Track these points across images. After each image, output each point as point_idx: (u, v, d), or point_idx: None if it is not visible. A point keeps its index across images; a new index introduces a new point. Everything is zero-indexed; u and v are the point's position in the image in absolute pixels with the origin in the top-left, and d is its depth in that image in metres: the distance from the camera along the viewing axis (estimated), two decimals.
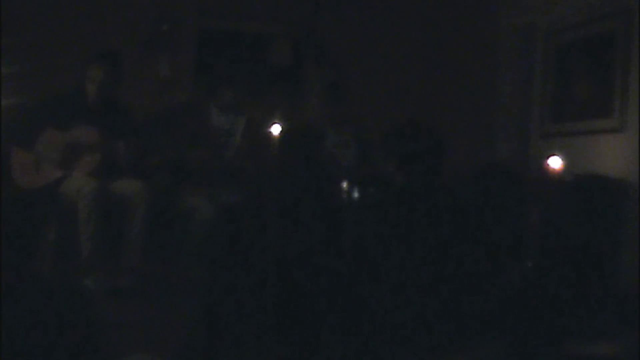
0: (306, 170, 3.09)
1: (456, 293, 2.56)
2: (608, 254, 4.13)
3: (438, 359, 2.43)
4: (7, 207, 3.59)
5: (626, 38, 4.38)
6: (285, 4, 5.26)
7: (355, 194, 3.21)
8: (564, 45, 4.95)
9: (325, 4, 5.27)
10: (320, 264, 2.46)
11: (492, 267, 2.72)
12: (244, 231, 2.75)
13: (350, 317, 2.38)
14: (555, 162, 3.17)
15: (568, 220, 4.04)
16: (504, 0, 5.48)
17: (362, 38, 5.35)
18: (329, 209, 2.90)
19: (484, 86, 5.46)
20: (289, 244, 2.48)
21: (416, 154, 2.84)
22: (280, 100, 5.01)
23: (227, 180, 4.07)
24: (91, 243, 3.61)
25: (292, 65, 5.42)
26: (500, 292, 2.71)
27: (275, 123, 3.53)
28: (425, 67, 5.45)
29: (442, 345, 2.45)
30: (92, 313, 2.02)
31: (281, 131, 3.49)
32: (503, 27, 5.47)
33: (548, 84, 5.09)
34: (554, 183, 3.34)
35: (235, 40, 5.33)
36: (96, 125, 3.81)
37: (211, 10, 5.18)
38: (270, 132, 3.51)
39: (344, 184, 3.25)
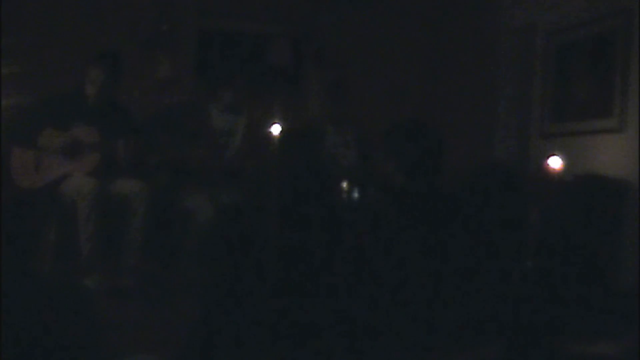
0: (306, 170, 3.09)
1: (456, 293, 2.56)
2: (608, 254, 4.13)
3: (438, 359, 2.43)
4: (7, 207, 3.59)
5: (626, 38, 4.38)
6: (285, 4, 5.26)
7: (355, 194, 3.20)
8: (564, 45, 4.95)
9: (325, 4, 5.27)
10: (321, 264, 2.46)
11: (492, 267, 2.72)
12: (244, 231, 2.75)
13: (350, 317, 2.38)
14: (555, 162, 3.16)
15: (568, 220, 4.04)
16: (504, 0, 5.48)
17: (362, 38, 5.35)
18: (329, 209, 2.90)
19: (484, 86, 5.46)
20: (289, 244, 2.48)
21: (416, 154, 2.83)
22: (280, 100, 5.01)
23: (227, 180, 4.07)
24: (91, 243, 3.62)
25: (292, 65, 5.42)
26: (500, 292, 2.71)
27: (275, 123, 3.53)
28: (426, 67, 5.46)
29: (441, 345, 2.45)
30: (92, 313, 2.01)
31: (281, 131, 3.49)
32: (503, 27, 5.47)
33: (548, 84, 5.09)
34: (554, 183, 3.34)
35: (235, 41, 5.33)
36: (96, 125, 3.81)
37: (211, 10, 5.19)
38: (270, 132, 3.51)
39: (344, 184, 3.25)
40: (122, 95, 4.04)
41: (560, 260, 3.56)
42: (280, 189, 2.82)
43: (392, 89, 5.30)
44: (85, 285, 3.47)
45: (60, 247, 3.71)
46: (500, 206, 3.01)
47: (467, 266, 2.64)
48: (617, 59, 4.45)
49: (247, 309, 2.33)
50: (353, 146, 4.53)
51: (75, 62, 4.09)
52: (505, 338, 2.53)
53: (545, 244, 3.52)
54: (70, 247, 3.66)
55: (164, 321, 3.12)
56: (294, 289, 2.38)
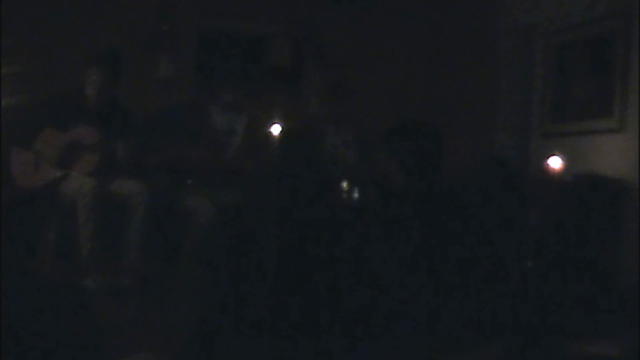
0: (306, 170, 3.08)
1: (455, 293, 2.56)
2: (608, 254, 4.14)
3: None
4: (7, 207, 3.59)
5: (626, 38, 4.38)
6: (285, 4, 5.26)
7: (355, 194, 3.21)
8: (564, 46, 4.95)
9: (325, 4, 5.27)
10: (321, 264, 2.46)
11: (492, 267, 2.72)
12: (244, 231, 2.75)
13: (350, 317, 2.38)
14: (555, 162, 3.17)
15: (568, 220, 4.04)
16: (504, 0, 5.48)
17: (362, 38, 5.35)
18: (329, 209, 2.90)
19: (484, 86, 5.46)
20: (289, 244, 2.48)
21: (416, 154, 2.83)
22: (280, 100, 5.00)
23: (227, 180, 4.06)
24: (91, 243, 3.62)
25: (292, 65, 5.42)
26: (499, 292, 2.71)
27: (275, 123, 3.53)
28: (426, 67, 5.46)
29: (441, 346, 2.45)
30: (92, 313, 2.02)
31: (281, 131, 3.49)
32: (503, 28, 5.47)
33: (548, 84, 5.09)
34: (554, 183, 3.34)
35: (235, 41, 5.33)
36: (96, 125, 3.81)
37: (211, 10, 5.18)
38: (270, 132, 3.51)
39: (344, 184, 3.25)
40: (122, 96, 4.03)
41: (560, 260, 3.57)
42: (280, 189, 2.82)
43: (392, 89, 5.30)
44: (85, 285, 3.47)
45: (60, 247, 3.71)
46: (500, 204, 3.01)
47: (467, 266, 2.64)
48: (617, 59, 4.45)
49: (247, 309, 2.33)
50: (353, 146, 4.52)
51: (75, 62, 4.08)
52: (505, 338, 2.53)
53: (545, 243, 3.52)
54: (70, 247, 3.65)
55: (164, 321, 3.12)
56: (293, 288, 2.38)
